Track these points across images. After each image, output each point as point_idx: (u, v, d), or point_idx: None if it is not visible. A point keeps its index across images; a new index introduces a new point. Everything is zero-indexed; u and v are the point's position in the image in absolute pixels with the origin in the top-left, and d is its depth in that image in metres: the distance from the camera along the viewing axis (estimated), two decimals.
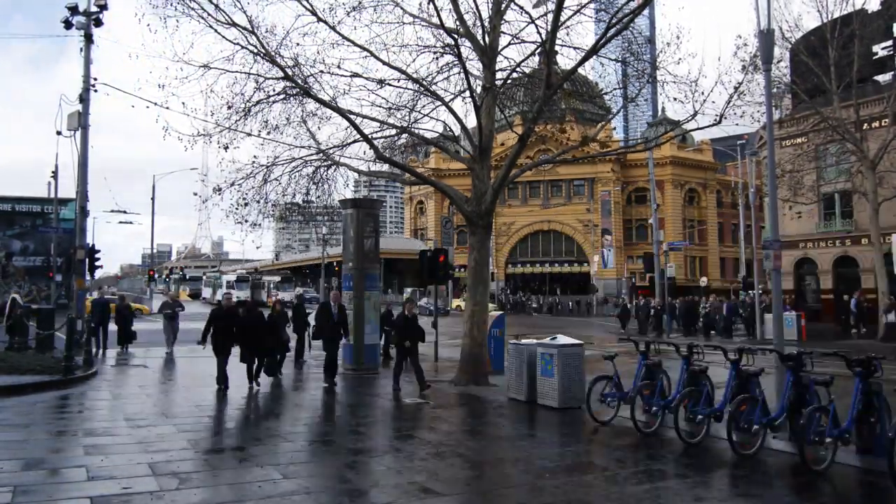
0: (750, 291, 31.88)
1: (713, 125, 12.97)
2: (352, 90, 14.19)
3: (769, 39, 10.12)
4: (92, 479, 6.48)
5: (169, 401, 11.90)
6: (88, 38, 15.81)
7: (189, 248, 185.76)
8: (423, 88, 14.66)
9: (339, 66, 13.71)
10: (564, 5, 12.05)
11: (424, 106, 15.35)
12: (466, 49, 13.98)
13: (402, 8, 14.08)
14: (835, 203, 34.01)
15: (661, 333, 28.77)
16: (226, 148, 13.16)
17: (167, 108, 12.38)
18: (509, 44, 14.77)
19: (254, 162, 13.66)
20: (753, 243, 37.52)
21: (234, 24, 12.29)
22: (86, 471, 6.77)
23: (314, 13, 12.88)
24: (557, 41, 12.90)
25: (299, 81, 12.97)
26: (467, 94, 14.32)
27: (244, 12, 12.31)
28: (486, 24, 13.92)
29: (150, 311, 38.14)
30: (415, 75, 14.51)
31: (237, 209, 13.61)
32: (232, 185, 13.52)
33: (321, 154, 14.04)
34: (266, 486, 6.37)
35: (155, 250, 59.79)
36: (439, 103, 15.03)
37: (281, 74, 12.77)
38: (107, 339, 18.17)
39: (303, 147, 14.05)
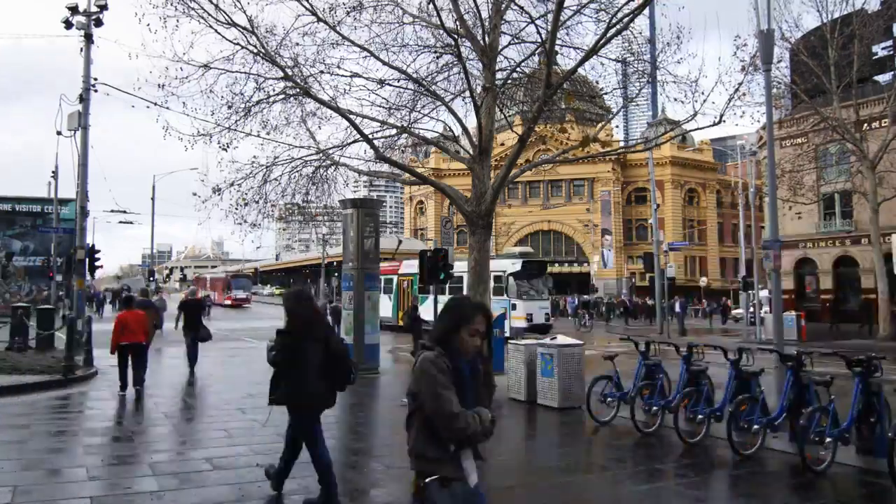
0: (750, 292, 31.91)
1: (713, 125, 12.99)
2: (352, 90, 14.23)
3: (769, 39, 10.13)
4: (92, 479, 6.48)
5: (169, 401, 11.88)
6: (88, 38, 15.81)
7: (189, 247, 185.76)
8: (422, 88, 14.66)
9: (339, 66, 13.75)
10: (564, 5, 12.06)
11: (424, 106, 15.37)
12: (466, 49, 13.98)
13: (402, 8, 14.09)
14: (835, 203, 33.99)
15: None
16: (225, 148, 13.18)
17: (167, 107, 12.40)
18: (509, 44, 14.78)
19: (253, 162, 13.66)
20: (753, 243, 37.49)
21: (234, 24, 12.29)
22: (86, 471, 6.77)
23: (314, 13, 12.88)
24: (557, 41, 12.89)
25: (299, 81, 12.97)
26: (467, 94, 14.32)
27: (244, 12, 12.31)
28: (486, 24, 13.91)
29: None
30: (415, 75, 14.52)
31: (237, 209, 13.63)
32: (231, 185, 13.53)
33: (321, 154, 14.04)
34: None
35: (155, 250, 59.76)
36: (439, 103, 15.04)
37: (281, 74, 12.77)
38: None
39: (302, 147, 14.07)
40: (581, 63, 12.96)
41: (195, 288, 29.85)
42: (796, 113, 31.77)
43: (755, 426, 7.66)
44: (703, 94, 13.01)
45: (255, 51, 12.53)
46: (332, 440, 8.89)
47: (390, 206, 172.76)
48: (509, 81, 15.59)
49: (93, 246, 17.79)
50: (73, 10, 15.48)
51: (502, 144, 46.90)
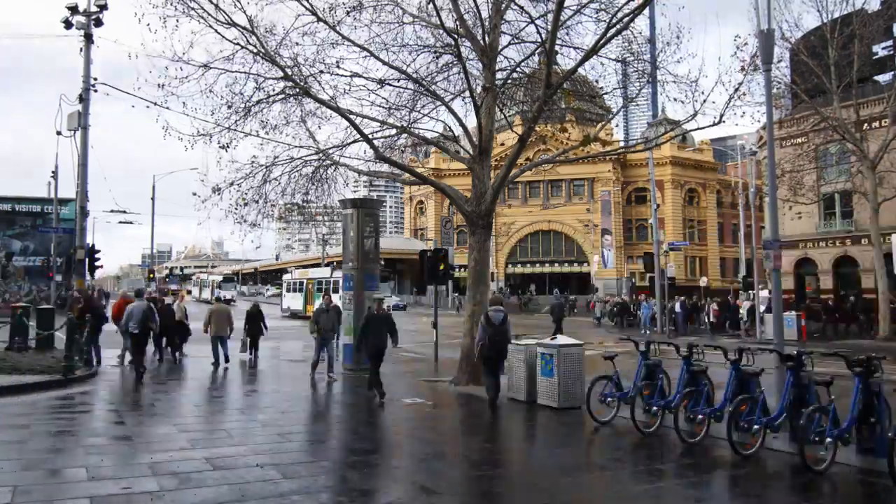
0: (750, 291, 31.92)
1: (713, 125, 12.98)
2: (352, 90, 14.18)
3: (769, 39, 10.12)
4: (92, 479, 6.48)
5: (168, 400, 11.89)
6: (88, 38, 15.81)
7: (189, 247, 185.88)
8: (422, 88, 14.65)
9: (338, 66, 13.70)
10: (564, 5, 12.05)
11: (424, 106, 15.35)
12: (466, 49, 13.97)
13: (401, 8, 14.08)
14: (835, 203, 34.00)
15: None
16: (225, 148, 13.16)
17: (167, 107, 12.39)
18: (509, 44, 14.77)
19: (253, 162, 13.66)
20: (753, 243, 37.53)
21: (234, 24, 12.28)
22: (86, 471, 6.77)
23: (314, 13, 12.86)
24: (557, 41, 12.88)
25: (299, 81, 12.96)
26: (467, 94, 14.31)
27: (244, 12, 12.29)
28: (486, 23, 13.91)
29: None
30: (415, 75, 14.50)
31: (237, 209, 13.62)
32: (231, 185, 13.52)
33: (321, 154, 14.04)
34: (266, 485, 6.37)
35: (155, 250, 59.74)
36: (439, 103, 15.03)
37: (281, 74, 12.76)
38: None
39: (302, 147, 14.06)
40: (581, 63, 12.96)
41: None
42: (796, 113, 31.77)
43: (755, 426, 7.65)
44: (703, 93, 13.00)
45: (255, 51, 12.52)
46: (333, 440, 8.92)
47: (390, 206, 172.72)
48: (509, 81, 15.58)
49: (93, 246, 17.81)
50: (73, 10, 15.49)
51: (502, 144, 46.90)
